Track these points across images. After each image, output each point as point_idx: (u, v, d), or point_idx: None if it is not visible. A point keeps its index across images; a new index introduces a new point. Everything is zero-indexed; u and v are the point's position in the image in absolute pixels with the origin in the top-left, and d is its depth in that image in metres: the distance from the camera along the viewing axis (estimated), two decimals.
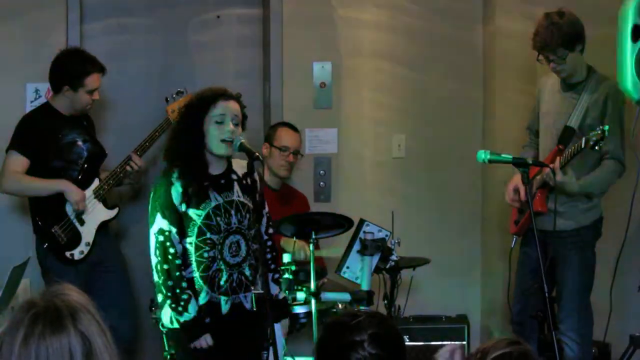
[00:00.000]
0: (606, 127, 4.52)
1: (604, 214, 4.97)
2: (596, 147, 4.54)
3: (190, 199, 4.01)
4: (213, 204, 4.03)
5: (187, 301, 3.99)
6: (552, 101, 4.97)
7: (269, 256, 4.23)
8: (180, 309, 3.98)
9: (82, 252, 4.98)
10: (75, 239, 4.98)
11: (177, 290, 3.98)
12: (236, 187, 4.11)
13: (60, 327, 1.91)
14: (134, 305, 5.29)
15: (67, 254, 4.95)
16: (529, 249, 4.94)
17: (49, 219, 4.95)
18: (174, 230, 4.01)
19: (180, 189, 4.01)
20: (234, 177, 4.13)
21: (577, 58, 4.81)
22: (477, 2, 5.84)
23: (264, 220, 4.24)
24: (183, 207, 4.02)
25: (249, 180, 4.11)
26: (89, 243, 5.00)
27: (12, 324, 1.91)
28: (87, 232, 5.01)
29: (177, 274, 4.00)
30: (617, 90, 4.60)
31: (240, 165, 4.16)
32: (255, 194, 4.11)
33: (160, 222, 4.02)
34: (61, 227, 4.94)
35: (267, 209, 4.28)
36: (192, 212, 4.02)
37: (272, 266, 4.26)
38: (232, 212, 4.06)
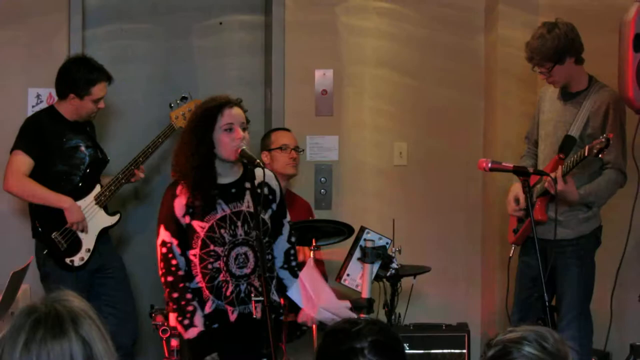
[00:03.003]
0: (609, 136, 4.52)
1: (602, 223, 4.97)
2: (599, 155, 4.54)
3: (195, 210, 3.98)
4: (218, 215, 3.98)
5: (193, 313, 3.95)
6: (552, 109, 4.96)
7: (294, 264, 4.20)
8: (186, 322, 3.95)
9: (82, 259, 4.97)
10: (76, 245, 4.97)
11: (182, 302, 3.95)
12: (247, 196, 4.04)
13: (62, 332, 1.91)
14: (133, 310, 5.27)
15: (67, 260, 4.94)
16: (528, 258, 4.93)
17: (48, 224, 4.94)
18: (175, 242, 3.98)
19: (184, 201, 3.98)
20: (248, 185, 4.05)
21: (570, 69, 4.79)
22: (479, 11, 5.85)
23: (287, 228, 4.19)
24: (187, 219, 3.98)
25: (265, 190, 4.08)
26: (89, 249, 4.99)
27: (13, 329, 1.92)
28: (88, 239, 5.00)
29: (181, 285, 3.97)
30: (619, 100, 4.61)
31: (260, 174, 4.03)
32: (270, 204, 4.10)
33: (163, 234, 4.00)
34: (61, 234, 4.93)
35: (288, 217, 4.22)
36: (196, 224, 3.98)
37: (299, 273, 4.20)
38: (239, 223, 4.00)
